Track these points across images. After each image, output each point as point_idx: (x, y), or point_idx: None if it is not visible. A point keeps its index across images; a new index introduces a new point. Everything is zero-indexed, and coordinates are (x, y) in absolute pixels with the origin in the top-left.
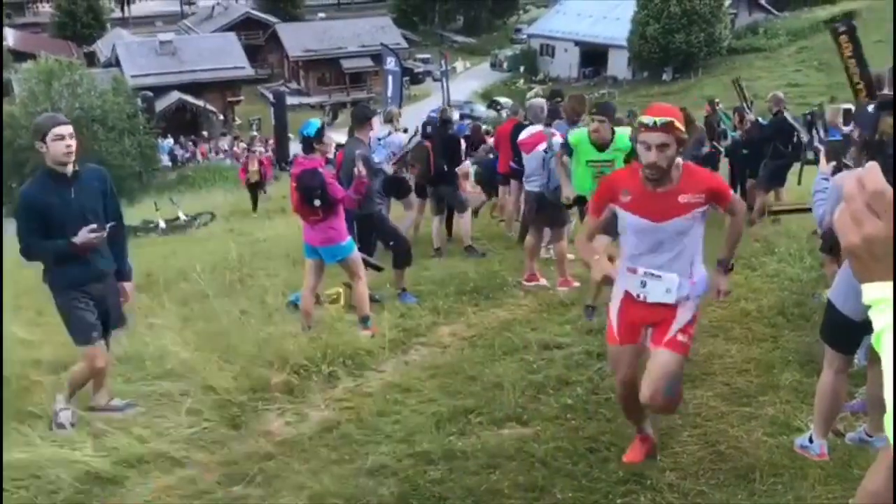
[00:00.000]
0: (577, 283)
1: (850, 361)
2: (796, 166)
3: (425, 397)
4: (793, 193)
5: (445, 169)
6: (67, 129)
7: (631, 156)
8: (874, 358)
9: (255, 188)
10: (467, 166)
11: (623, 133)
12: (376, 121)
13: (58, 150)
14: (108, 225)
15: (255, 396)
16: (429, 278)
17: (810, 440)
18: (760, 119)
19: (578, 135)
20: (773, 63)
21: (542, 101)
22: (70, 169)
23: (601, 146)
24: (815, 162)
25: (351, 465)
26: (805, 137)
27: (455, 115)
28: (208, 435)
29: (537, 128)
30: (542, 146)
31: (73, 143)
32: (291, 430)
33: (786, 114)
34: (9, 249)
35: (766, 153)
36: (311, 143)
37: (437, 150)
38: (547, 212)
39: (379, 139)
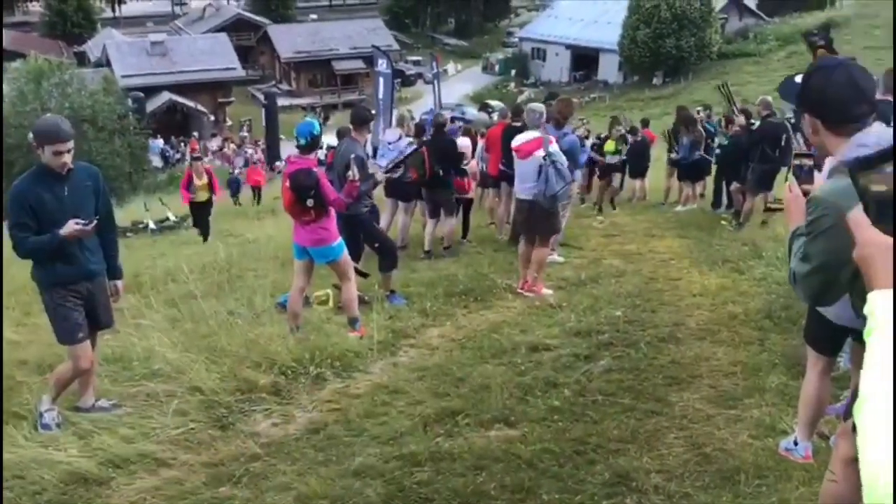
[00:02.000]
0: (547, 291)
1: (833, 364)
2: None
3: (413, 399)
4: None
5: (441, 173)
6: (68, 146)
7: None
8: (858, 361)
9: (203, 210)
10: (474, 166)
11: None
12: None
13: (54, 162)
14: (94, 218)
15: (242, 397)
16: (418, 280)
17: (795, 443)
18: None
19: None
20: (762, 68)
21: (541, 106)
22: (64, 168)
23: None
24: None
25: (338, 467)
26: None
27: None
28: (195, 436)
29: (534, 133)
30: (540, 152)
31: (70, 156)
32: (278, 431)
33: (779, 116)
34: None
35: (754, 157)
36: (310, 143)
37: (433, 155)
38: (539, 220)
39: (389, 143)
